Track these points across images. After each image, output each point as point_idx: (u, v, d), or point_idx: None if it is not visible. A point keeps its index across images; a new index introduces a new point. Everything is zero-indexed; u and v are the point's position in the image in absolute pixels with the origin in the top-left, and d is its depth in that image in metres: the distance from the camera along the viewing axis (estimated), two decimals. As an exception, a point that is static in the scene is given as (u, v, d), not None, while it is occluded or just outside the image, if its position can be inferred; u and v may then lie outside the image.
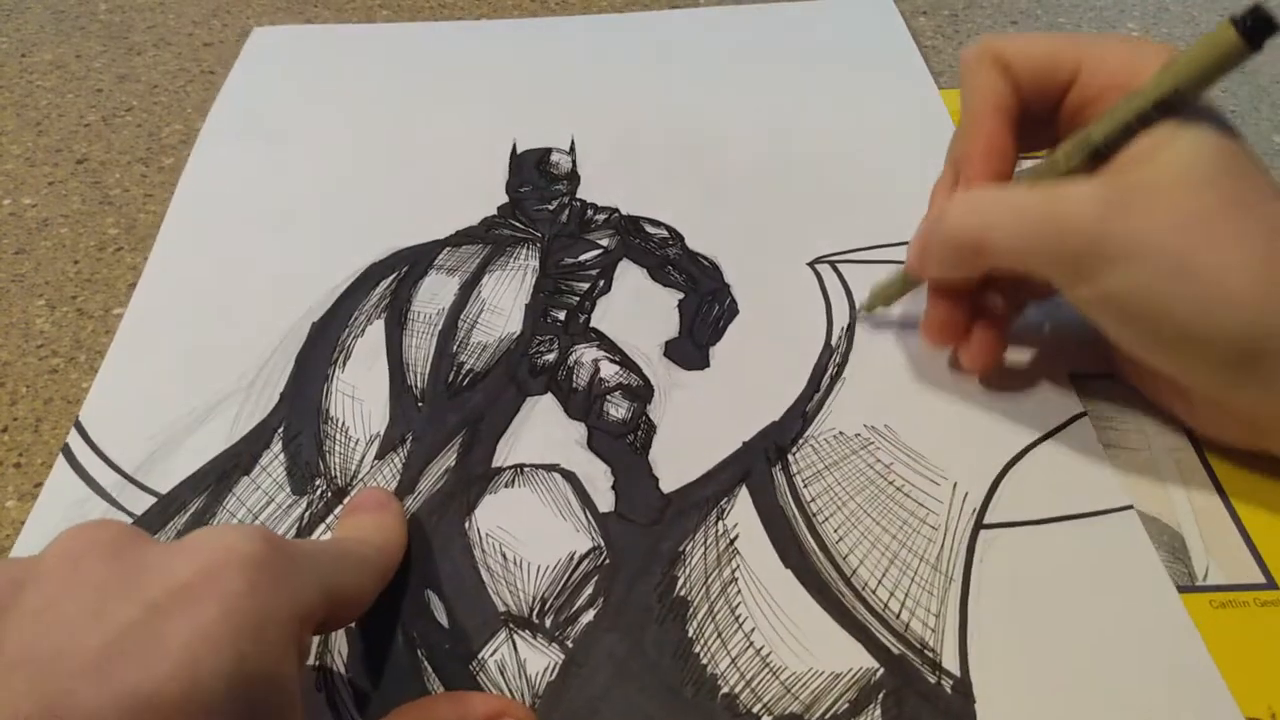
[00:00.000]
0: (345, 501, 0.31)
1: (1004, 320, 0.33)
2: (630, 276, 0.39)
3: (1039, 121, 0.32)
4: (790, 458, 0.32)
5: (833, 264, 0.39)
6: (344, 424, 0.34)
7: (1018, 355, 0.35)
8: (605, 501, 0.32)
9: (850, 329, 0.37)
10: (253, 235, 0.41)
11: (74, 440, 0.34)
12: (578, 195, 0.43)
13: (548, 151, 0.45)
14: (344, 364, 0.36)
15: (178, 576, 0.21)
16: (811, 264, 0.39)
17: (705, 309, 0.38)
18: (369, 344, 0.37)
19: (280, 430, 0.34)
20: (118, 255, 0.40)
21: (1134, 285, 0.27)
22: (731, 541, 0.30)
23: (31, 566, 0.21)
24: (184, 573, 0.21)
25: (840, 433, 0.33)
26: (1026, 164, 0.32)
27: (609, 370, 0.36)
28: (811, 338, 0.36)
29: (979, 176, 0.31)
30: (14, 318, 0.38)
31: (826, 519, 0.31)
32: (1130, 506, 0.30)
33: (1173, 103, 0.27)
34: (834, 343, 0.36)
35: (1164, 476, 0.31)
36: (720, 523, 0.31)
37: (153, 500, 0.32)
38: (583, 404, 0.34)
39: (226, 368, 0.36)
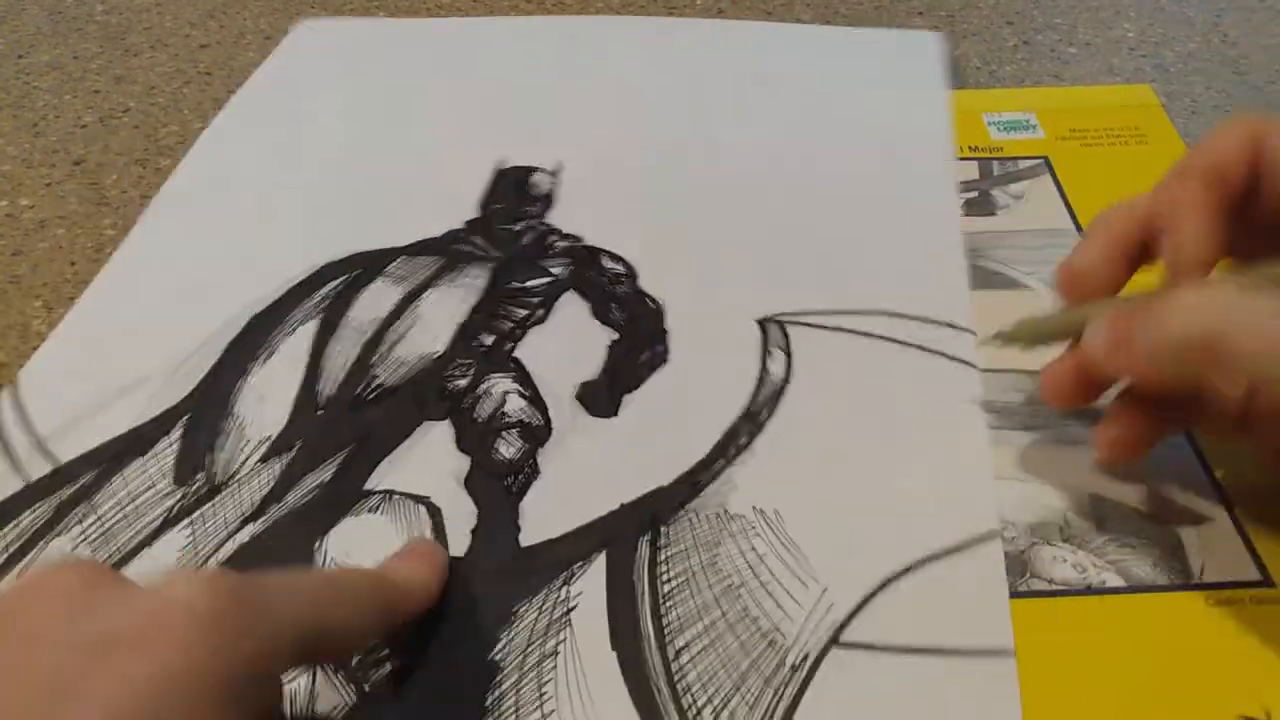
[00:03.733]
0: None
1: (1157, 422, 0.29)
2: (571, 309, 0.38)
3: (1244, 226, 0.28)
4: (663, 529, 0.30)
5: (782, 324, 0.36)
6: (243, 422, 0.34)
7: (945, 456, 0.32)
8: (462, 545, 0.30)
9: (777, 396, 0.34)
10: (232, 222, 0.42)
11: (4, 397, 0.35)
12: (547, 219, 0.41)
13: (531, 171, 0.44)
14: (266, 361, 0.36)
15: (119, 627, 0.20)
16: (761, 321, 0.37)
17: (634, 353, 0.36)
18: (296, 344, 0.37)
19: (184, 418, 0.34)
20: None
21: None
22: (568, 611, 0.28)
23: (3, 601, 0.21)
24: (126, 623, 0.20)
25: (725, 511, 0.31)
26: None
27: (515, 405, 0.34)
28: (734, 401, 0.34)
29: (1197, 267, 0.26)
30: (11, 319, 0.38)
31: (674, 605, 0.28)
32: (1011, 654, 0.27)
33: None
34: (754, 409, 0.34)
35: (1160, 473, 0.30)
36: (565, 588, 0.29)
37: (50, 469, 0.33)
38: (476, 437, 0.33)
39: (162, 348, 0.37)
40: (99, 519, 0.31)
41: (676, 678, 0.27)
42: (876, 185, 0.42)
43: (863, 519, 0.30)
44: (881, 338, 0.36)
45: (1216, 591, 0.28)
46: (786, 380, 0.34)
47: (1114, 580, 0.28)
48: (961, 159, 0.43)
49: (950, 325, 0.36)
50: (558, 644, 0.27)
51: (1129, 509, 0.30)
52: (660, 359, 0.35)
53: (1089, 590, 0.28)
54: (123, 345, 0.37)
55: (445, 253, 0.40)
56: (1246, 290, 0.25)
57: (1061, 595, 0.28)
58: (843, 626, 0.27)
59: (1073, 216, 0.40)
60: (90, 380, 0.35)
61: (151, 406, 0.35)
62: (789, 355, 0.35)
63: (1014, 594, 0.28)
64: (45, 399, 0.35)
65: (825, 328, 0.36)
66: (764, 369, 0.35)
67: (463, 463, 0.32)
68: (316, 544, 0.30)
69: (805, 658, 0.27)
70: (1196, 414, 0.29)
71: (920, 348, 0.35)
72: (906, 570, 0.29)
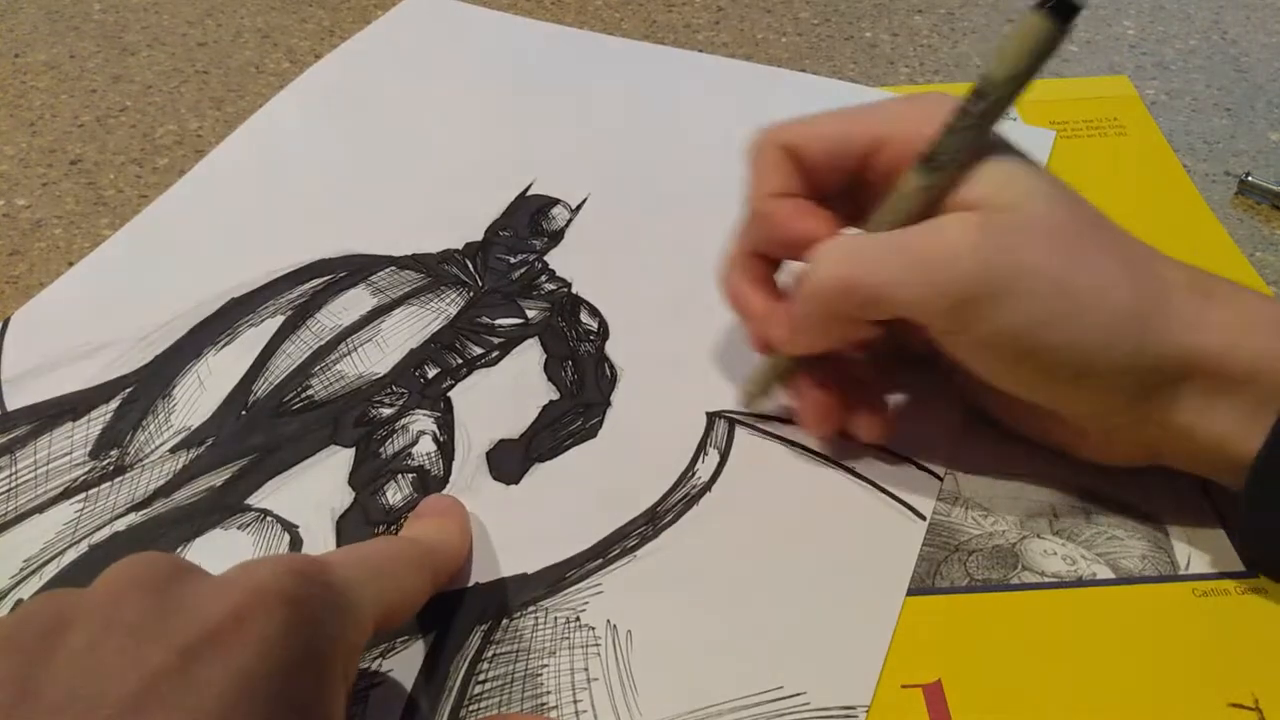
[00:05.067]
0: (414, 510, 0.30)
1: (879, 389, 0.32)
2: (527, 356, 0.36)
3: (847, 198, 0.30)
4: (504, 622, 0.28)
5: (732, 422, 0.33)
6: (174, 407, 0.34)
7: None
8: (308, 585, 0.29)
9: (691, 502, 0.31)
10: (253, 203, 0.42)
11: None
12: (548, 256, 0.39)
13: (554, 203, 0.42)
14: (222, 348, 0.36)
15: (210, 619, 0.20)
16: (711, 414, 0.33)
17: (564, 421, 0.33)
18: (257, 336, 0.37)
19: (126, 391, 0.35)
20: (111, 256, 0.41)
21: (1023, 316, 0.26)
22: (370, 687, 0.26)
23: (78, 602, 0.21)
24: (216, 615, 0.20)
25: (575, 619, 0.28)
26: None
27: (423, 449, 0.33)
28: (645, 496, 0.31)
29: (822, 235, 0.29)
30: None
31: (476, 711, 0.26)
32: None
33: (995, 96, 0.26)
34: (659, 509, 0.30)
35: (1147, 467, 0.30)
36: (380, 660, 0.27)
37: (-6, 414, 0.34)
38: (369, 474, 0.32)
39: (141, 317, 0.37)
40: (11, 474, 0.32)
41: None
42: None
43: (717, 662, 0.27)
44: (832, 462, 0.32)
45: (1203, 582, 0.29)
46: (709, 486, 0.31)
47: (1104, 572, 0.29)
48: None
49: (916, 465, 0.31)
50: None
51: (1117, 502, 0.30)
52: (589, 434, 0.33)
53: (1080, 582, 0.29)
54: (108, 308, 0.38)
55: (431, 271, 0.39)
56: (859, 237, 0.28)
57: (1052, 588, 0.29)
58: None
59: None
60: (67, 336, 0.37)
61: (106, 372, 0.35)
62: (724, 459, 0.32)
63: (1006, 587, 0.29)
64: (24, 345, 0.36)
65: (776, 437, 0.32)
66: (690, 468, 0.32)
67: (347, 498, 0.31)
68: (180, 549, 0.30)
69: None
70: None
71: (872, 483, 0.31)
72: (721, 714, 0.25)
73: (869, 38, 0.52)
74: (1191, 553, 0.29)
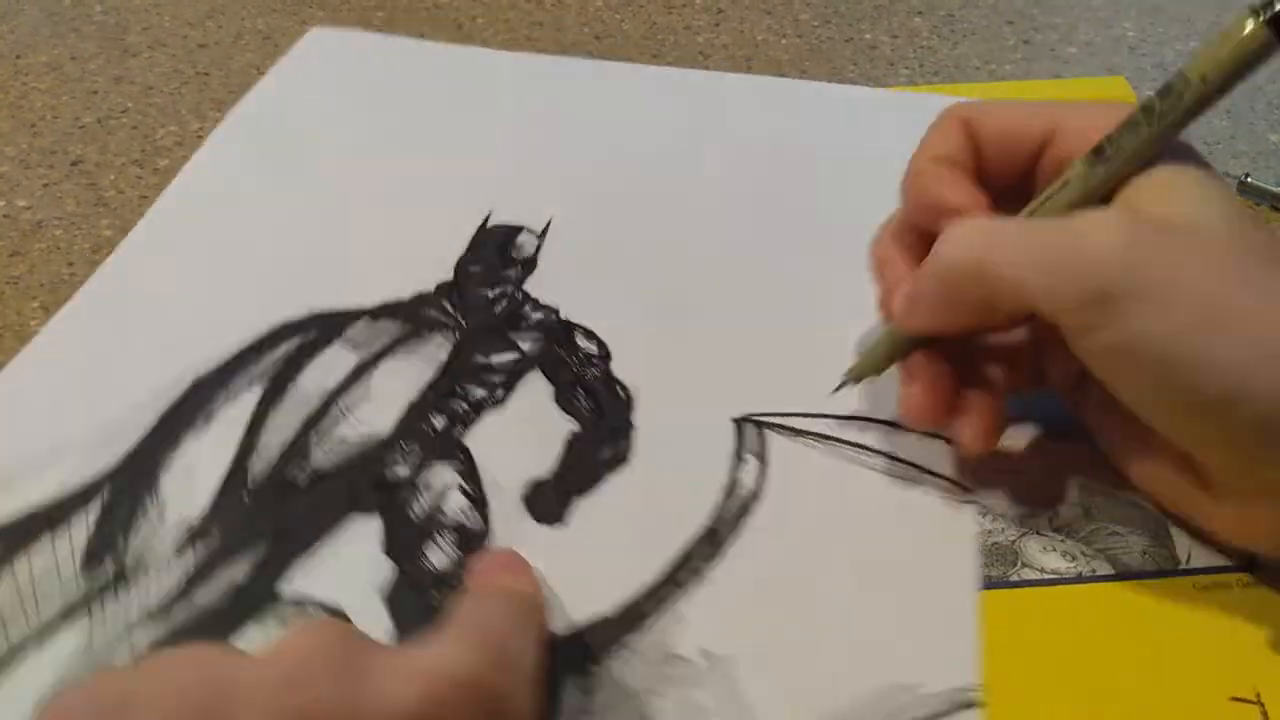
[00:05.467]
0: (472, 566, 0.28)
1: (1001, 396, 0.29)
2: (532, 391, 0.34)
3: (1014, 191, 0.29)
4: (595, 671, 0.27)
5: (760, 425, 0.33)
6: (165, 501, 0.31)
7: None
8: (372, 667, 0.27)
9: (743, 512, 0.30)
10: (192, 269, 0.39)
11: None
12: (526, 284, 0.38)
13: (516, 231, 0.40)
14: (202, 431, 0.33)
15: (397, 702, 0.19)
16: (737, 420, 0.33)
17: (593, 450, 0.32)
18: (238, 413, 0.34)
19: (104, 494, 0.32)
20: (112, 258, 0.40)
21: (1166, 324, 0.23)
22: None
23: (238, 675, 0.19)
24: (407, 702, 0.19)
25: (669, 654, 0.27)
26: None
27: (454, 504, 0.31)
28: (695, 513, 0.30)
29: (967, 209, 0.28)
30: (8, 320, 0.38)
31: (594, 767, 0.25)
32: None
33: (1186, 96, 0.24)
34: (717, 527, 0.30)
35: None
36: (476, 733, 0.25)
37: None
38: (407, 540, 0.30)
39: (97, 409, 0.34)
40: (-7, 607, 0.29)
41: None
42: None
43: (821, 669, 0.26)
44: (872, 450, 0.32)
45: (1204, 577, 0.28)
46: (756, 494, 0.31)
47: (1104, 568, 0.29)
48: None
49: (945, 439, 0.32)
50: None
51: (1116, 497, 0.30)
52: (620, 458, 0.32)
53: (1079, 578, 0.29)
54: (53, 407, 0.34)
55: (409, 318, 0.37)
56: (1012, 219, 0.27)
57: (1052, 584, 0.28)
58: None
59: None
60: (13, 444, 0.33)
61: (72, 477, 0.32)
62: (763, 464, 0.32)
63: (1005, 584, 0.28)
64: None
65: (809, 433, 0.32)
66: (733, 478, 0.31)
67: (387, 569, 0.29)
68: (215, 655, 0.27)
69: None
70: (1017, 372, 0.30)
71: (916, 466, 0.31)
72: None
73: (869, 39, 0.53)
74: (1192, 547, 0.29)
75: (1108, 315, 0.24)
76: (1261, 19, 0.23)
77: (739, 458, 0.32)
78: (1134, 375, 0.25)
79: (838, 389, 0.32)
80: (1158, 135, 0.25)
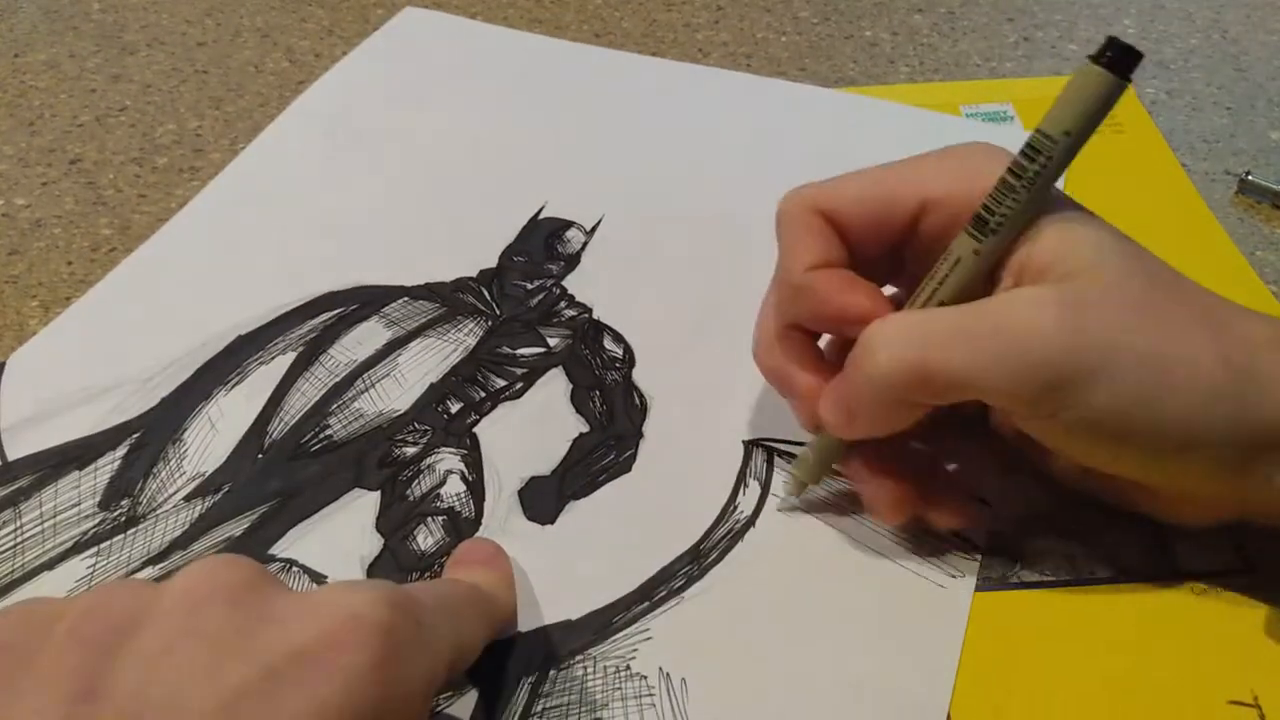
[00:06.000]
0: (452, 554, 0.29)
1: (941, 463, 0.30)
2: (551, 387, 0.34)
3: (884, 264, 0.28)
4: (551, 674, 0.26)
5: (771, 451, 0.32)
6: (185, 451, 0.33)
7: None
8: (341, 639, 0.28)
9: (735, 537, 0.30)
10: (253, 235, 0.41)
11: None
12: (566, 281, 0.38)
13: (567, 225, 0.40)
14: (232, 388, 0.35)
15: (297, 640, 0.19)
16: (748, 443, 0.32)
17: (596, 454, 0.32)
18: (268, 375, 0.35)
19: (133, 436, 0.33)
20: (111, 256, 0.40)
21: (1116, 398, 0.24)
22: (416, 748, 0.25)
23: (151, 601, 0.20)
24: (304, 637, 0.19)
25: (626, 668, 0.27)
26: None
27: (452, 489, 0.31)
28: (687, 532, 0.30)
29: (877, 313, 0.26)
30: (8, 319, 0.38)
31: (529, 771, 0.25)
32: None
33: (1052, 153, 0.24)
34: (704, 547, 0.29)
35: None
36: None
37: (-3, 464, 0.32)
38: (397, 518, 0.31)
39: (144, 357, 0.36)
40: (17, 528, 0.31)
41: None
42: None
43: (776, 709, 0.25)
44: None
45: (1202, 580, 0.28)
46: (752, 521, 0.30)
47: (1102, 570, 0.29)
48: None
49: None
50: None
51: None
52: (623, 467, 0.32)
53: (1078, 581, 0.28)
54: (108, 348, 0.36)
55: (447, 301, 0.37)
56: (930, 312, 0.26)
57: (1051, 586, 0.28)
58: None
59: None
60: (66, 379, 0.35)
61: (110, 417, 0.34)
62: (765, 491, 0.31)
63: (1004, 585, 0.28)
64: (21, 390, 0.35)
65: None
66: (731, 501, 0.31)
67: (375, 545, 0.30)
68: (199, 605, 0.28)
69: None
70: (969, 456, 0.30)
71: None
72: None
73: (869, 36, 0.52)
74: (1190, 550, 0.29)
75: (1058, 401, 0.24)
76: (1100, 65, 0.24)
77: (743, 481, 0.31)
78: (1090, 446, 0.25)
79: (786, 509, 0.30)
80: (1035, 196, 0.25)
